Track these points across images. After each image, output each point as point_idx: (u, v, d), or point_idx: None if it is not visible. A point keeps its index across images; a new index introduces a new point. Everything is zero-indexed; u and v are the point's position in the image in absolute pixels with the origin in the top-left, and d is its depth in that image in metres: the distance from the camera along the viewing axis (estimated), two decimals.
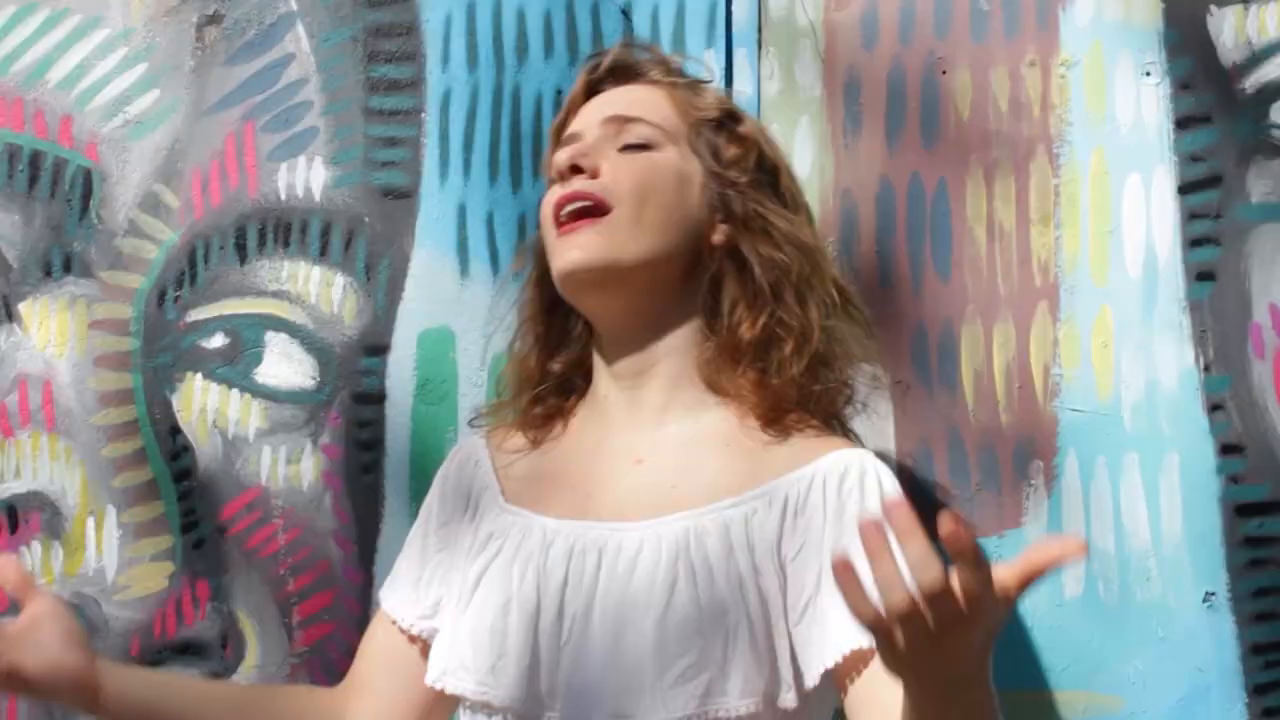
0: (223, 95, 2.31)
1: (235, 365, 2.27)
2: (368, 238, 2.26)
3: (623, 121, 1.84)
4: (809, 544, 1.68)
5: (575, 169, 1.80)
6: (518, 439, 1.92)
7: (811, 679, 1.67)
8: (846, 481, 1.71)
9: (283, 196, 2.28)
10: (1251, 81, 2.10)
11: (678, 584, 1.68)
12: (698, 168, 1.84)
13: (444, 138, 2.27)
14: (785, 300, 1.80)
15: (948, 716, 1.39)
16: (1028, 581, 1.28)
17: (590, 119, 1.87)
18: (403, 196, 2.27)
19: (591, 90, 1.93)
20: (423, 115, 2.28)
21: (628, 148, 1.82)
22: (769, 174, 1.90)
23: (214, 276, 2.28)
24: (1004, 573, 1.28)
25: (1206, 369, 2.06)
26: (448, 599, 1.86)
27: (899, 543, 1.25)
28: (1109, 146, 2.11)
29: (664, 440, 1.81)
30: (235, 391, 2.27)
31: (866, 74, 2.19)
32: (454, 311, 2.23)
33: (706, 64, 2.17)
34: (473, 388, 2.21)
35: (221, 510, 2.25)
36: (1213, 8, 2.11)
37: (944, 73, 2.17)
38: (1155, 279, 2.08)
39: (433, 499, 1.96)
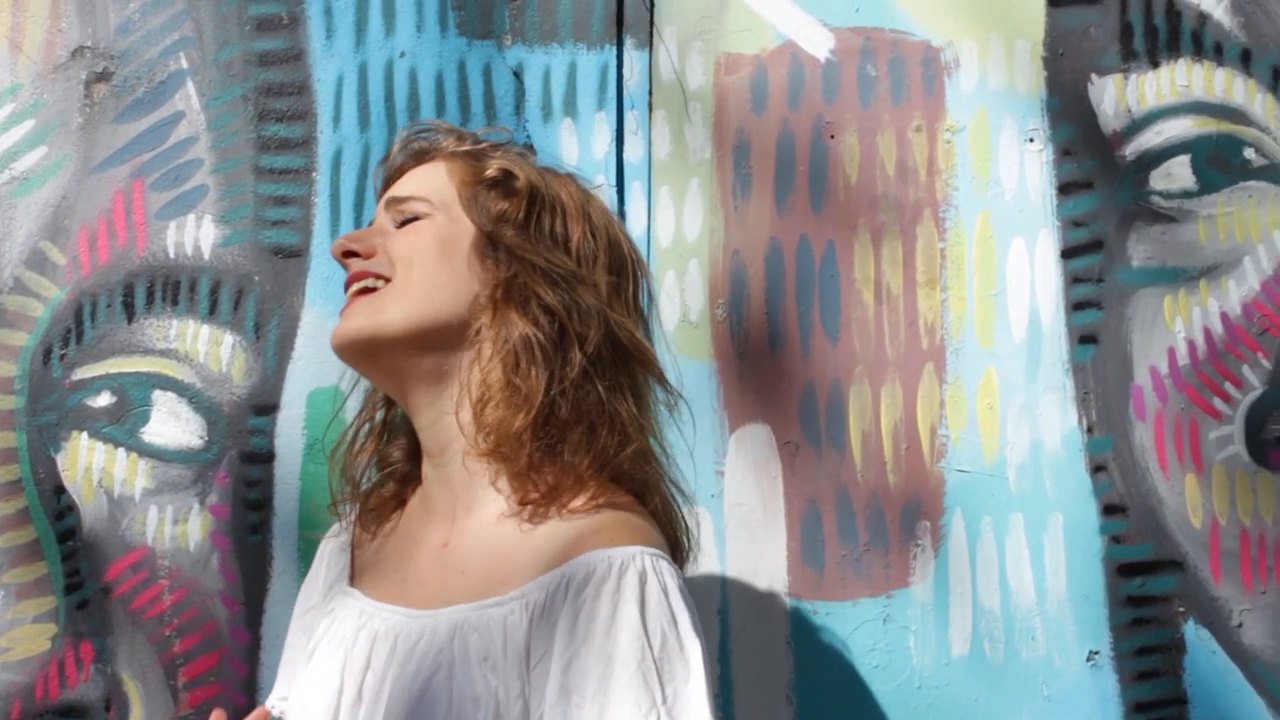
0: (111, 152, 2.29)
1: (122, 424, 2.24)
2: (257, 296, 2.25)
3: (397, 203, 1.83)
4: (550, 654, 1.63)
5: (350, 254, 1.81)
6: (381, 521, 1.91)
7: None
8: (586, 591, 1.63)
9: (171, 254, 2.26)
10: (1131, 149, 2.15)
11: (436, 676, 1.66)
12: (468, 229, 1.81)
13: (335, 197, 2.27)
14: (519, 363, 1.75)
15: None
16: None
17: (379, 208, 1.88)
18: (293, 255, 2.26)
19: (388, 186, 1.92)
20: (314, 174, 2.27)
21: (402, 224, 1.82)
22: (543, 221, 1.84)
23: (101, 335, 2.26)
24: None
25: (1089, 430, 2.10)
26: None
27: None
28: (994, 211, 2.15)
29: (464, 525, 1.77)
30: (121, 450, 2.24)
31: (756, 138, 2.21)
32: (343, 371, 2.22)
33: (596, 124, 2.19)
34: None
35: (106, 571, 2.22)
36: (1094, 76, 2.15)
37: (832, 137, 2.20)
38: (1039, 342, 2.11)
39: (303, 587, 1.96)
